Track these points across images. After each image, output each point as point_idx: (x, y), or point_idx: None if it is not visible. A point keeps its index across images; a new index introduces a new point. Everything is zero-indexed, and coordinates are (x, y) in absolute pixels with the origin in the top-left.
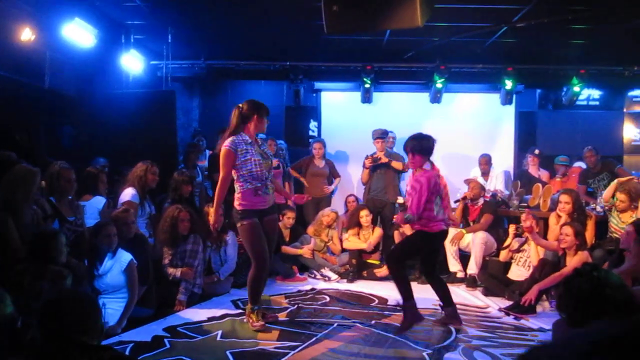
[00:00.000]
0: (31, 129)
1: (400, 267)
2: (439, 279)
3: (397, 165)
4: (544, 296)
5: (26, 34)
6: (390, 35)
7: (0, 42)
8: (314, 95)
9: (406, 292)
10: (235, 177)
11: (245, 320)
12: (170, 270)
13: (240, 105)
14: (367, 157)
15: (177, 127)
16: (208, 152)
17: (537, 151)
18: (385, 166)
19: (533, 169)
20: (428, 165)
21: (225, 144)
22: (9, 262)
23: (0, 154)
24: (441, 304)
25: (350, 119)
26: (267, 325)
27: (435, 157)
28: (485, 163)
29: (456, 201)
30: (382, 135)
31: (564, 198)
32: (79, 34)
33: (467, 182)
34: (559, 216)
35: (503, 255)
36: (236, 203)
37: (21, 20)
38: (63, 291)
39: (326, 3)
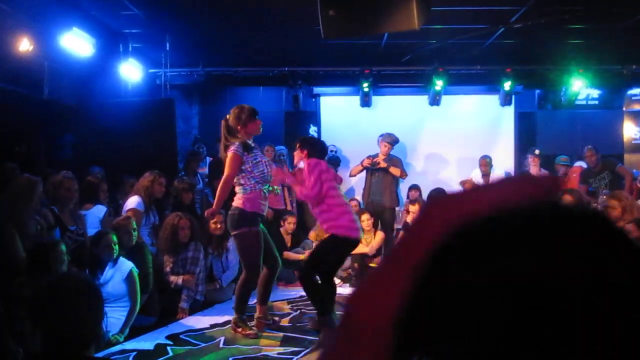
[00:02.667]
0: (31, 140)
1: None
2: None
3: (395, 171)
4: None
5: (24, 45)
6: (388, 38)
7: None
8: (313, 100)
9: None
10: (242, 181)
11: (232, 331)
12: (172, 278)
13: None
14: (368, 157)
15: (177, 135)
16: (208, 159)
17: (537, 151)
18: (383, 170)
19: (534, 170)
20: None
21: (232, 148)
22: (12, 275)
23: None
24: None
25: (350, 122)
26: (259, 331)
27: (436, 160)
28: (486, 164)
29: None
30: (392, 142)
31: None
32: (77, 43)
33: (462, 183)
34: None
35: None
36: (245, 204)
37: (19, 31)
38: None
39: (323, 8)
